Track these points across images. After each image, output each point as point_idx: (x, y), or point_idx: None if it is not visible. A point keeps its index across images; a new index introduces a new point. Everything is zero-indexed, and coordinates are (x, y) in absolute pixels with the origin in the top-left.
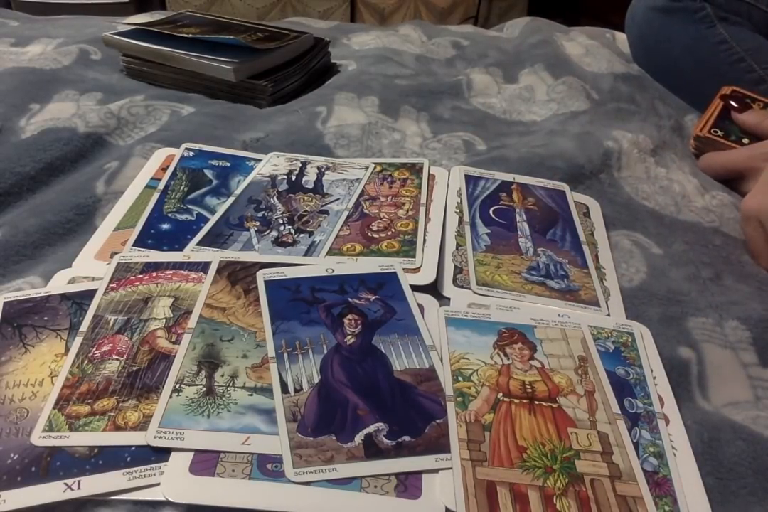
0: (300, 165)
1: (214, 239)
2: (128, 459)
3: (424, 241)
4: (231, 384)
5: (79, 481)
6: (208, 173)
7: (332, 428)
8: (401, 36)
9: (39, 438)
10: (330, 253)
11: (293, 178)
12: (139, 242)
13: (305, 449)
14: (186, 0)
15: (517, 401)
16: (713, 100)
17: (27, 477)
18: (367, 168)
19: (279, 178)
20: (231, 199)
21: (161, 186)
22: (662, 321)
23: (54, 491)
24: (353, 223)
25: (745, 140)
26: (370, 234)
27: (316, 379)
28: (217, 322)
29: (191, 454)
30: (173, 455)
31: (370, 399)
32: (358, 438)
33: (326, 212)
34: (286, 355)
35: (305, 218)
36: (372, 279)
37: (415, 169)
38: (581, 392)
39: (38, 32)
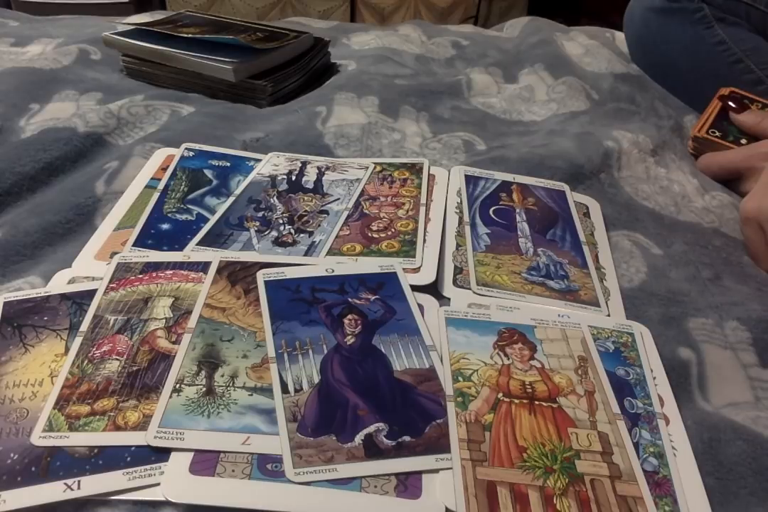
0: (300, 165)
1: (214, 239)
2: (128, 459)
3: (424, 241)
4: (231, 384)
5: (79, 481)
6: (208, 173)
7: (332, 428)
8: (401, 36)
9: (39, 438)
10: (330, 253)
11: (293, 178)
12: (139, 242)
13: (305, 449)
14: (186, 0)
15: (517, 401)
16: (711, 101)
17: (27, 477)
18: (367, 168)
19: (279, 178)
20: (231, 199)
21: (161, 186)
22: (662, 321)
23: (54, 491)
24: (353, 223)
25: (743, 140)
26: (370, 234)
27: (316, 379)
28: (217, 322)
29: (191, 454)
30: (173, 455)
31: (370, 399)
32: (358, 438)
33: (326, 212)
34: (286, 355)
35: (305, 218)
36: (372, 279)
37: (415, 169)
38: (581, 392)
39: (38, 32)
